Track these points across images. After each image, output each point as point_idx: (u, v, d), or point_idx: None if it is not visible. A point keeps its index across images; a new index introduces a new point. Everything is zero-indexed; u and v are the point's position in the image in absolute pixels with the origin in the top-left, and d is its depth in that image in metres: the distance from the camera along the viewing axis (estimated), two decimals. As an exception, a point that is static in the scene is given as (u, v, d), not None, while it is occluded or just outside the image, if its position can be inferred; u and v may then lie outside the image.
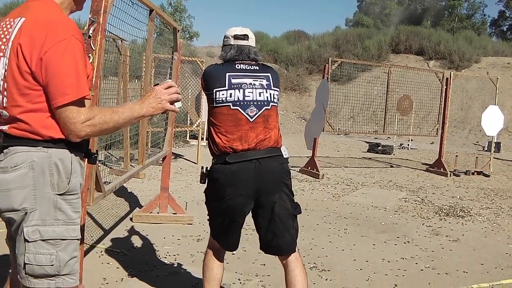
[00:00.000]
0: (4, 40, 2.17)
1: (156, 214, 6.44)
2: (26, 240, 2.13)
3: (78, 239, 2.27)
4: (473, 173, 12.49)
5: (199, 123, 12.34)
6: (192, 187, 8.79)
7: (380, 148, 15.47)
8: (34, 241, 2.13)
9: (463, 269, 5.31)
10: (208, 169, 3.46)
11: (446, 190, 10.11)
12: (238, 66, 3.44)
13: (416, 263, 5.44)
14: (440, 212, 7.93)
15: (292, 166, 11.17)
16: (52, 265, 2.16)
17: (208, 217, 3.60)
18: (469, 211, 8.18)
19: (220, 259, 3.65)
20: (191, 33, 40.09)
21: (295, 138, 16.84)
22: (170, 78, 6.23)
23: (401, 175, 11.62)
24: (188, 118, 13.65)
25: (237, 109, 3.34)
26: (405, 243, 6.19)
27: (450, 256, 5.76)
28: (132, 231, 5.94)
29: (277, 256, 3.56)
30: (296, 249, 3.50)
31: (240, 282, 4.54)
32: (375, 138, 19.11)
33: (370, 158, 14.22)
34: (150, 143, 10.13)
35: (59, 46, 2.06)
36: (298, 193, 8.71)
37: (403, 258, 5.57)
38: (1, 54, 2.16)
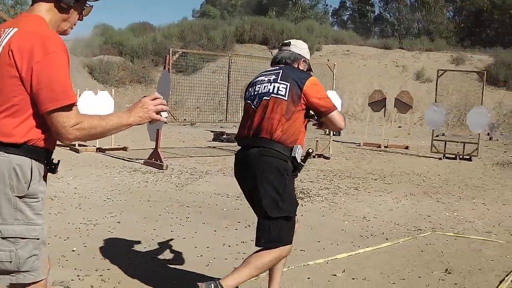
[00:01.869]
0: None
1: None
2: None
3: (37, 239, 2.38)
4: (314, 156, 12.94)
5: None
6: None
7: (225, 136, 15.58)
8: None
9: (300, 248, 5.42)
10: None
11: (288, 174, 10.32)
12: (269, 68, 3.83)
13: (256, 246, 5.51)
14: (281, 195, 8.10)
15: (136, 159, 10.99)
16: (11, 262, 2.31)
17: None
18: (308, 193, 8.47)
19: None
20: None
21: (140, 130, 16.53)
22: None
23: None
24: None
25: (249, 102, 3.69)
26: (245, 227, 6.25)
27: (289, 237, 5.89)
28: None
29: None
30: (277, 248, 3.49)
31: (79, 278, 4.34)
32: (221, 127, 19.25)
33: (215, 147, 14.29)
34: None
35: (50, 57, 2.26)
36: (142, 185, 8.56)
37: (243, 242, 5.61)
38: None
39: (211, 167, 10.66)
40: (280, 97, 3.52)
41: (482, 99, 15.38)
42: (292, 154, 3.49)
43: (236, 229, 6.16)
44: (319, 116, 3.68)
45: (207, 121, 17.43)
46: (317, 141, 13.72)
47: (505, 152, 16.01)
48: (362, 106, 24.61)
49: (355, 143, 16.81)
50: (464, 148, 14.55)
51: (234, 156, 3.77)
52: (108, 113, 2.63)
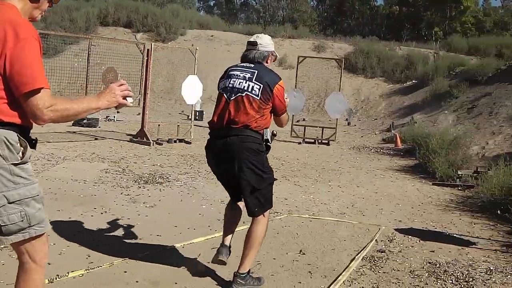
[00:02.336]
0: None
1: None
2: None
3: (38, 195, 2.66)
4: (175, 141, 12.96)
5: None
6: None
7: (85, 121, 15.13)
8: (3, 205, 2.52)
9: (157, 233, 5.49)
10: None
11: (148, 159, 10.32)
12: (240, 63, 4.33)
13: (111, 234, 5.48)
14: (140, 180, 8.09)
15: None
16: (23, 220, 2.59)
17: None
18: (167, 177, 8.49)
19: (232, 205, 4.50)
20: None
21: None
22: None
23: (104, 147, 11.49)
24: None
25: (223, 93, 4.20)
26: (102, 213, 6.19)
27: (146, 222, 5.90)
28: None
29: None
30: (263, 214, 4.21)
31: None
32: (83, 111, 18.66)
33: (74, 132, 13.86)
34: None
35: (22, 44, 2.47)
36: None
37: (98, 229, 5.56)
38: None
39: (69, 152, 10.33)
40: (254, 96, 4.08)
41: (340, 86, 16.10)
42: (265, 137, 4.16)
43: (92, 216, 6.05)
44: (275, 114, 4.30)
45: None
46: (178, 125, 13.74)
47: (362, 136, 16.92)
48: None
49: (217, 128, 16.92)
50: (323, 133, 15.23)
51: (208, 145, 4.28)
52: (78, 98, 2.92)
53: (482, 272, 4.84)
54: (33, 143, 2.71)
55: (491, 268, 4.95)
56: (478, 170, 9.76)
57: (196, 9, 55.25)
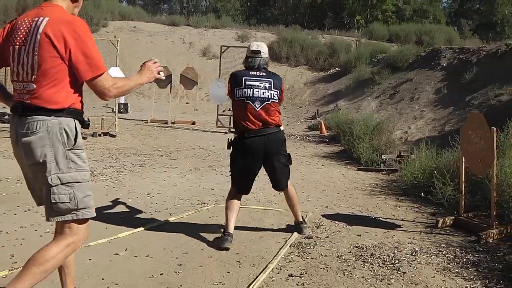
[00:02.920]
0: (30, 34, 2.97)
1: None
2: (50, 185, 2.96)
3: (87, 182, 3.13)
4: (99, 135, 12.72)
5: None
6: None
7: (6, 117, 14.64)
8: (56, 185, 2.97)
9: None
10: (232, 139, 5.34)
11: (72, 154, 10.00)
12: (251, 72, 5.24)
13: (36, 230, 5.34)
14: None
15: None
16: (70, 202, 3.01)
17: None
18: (93, 172, 8.29)
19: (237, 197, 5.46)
20: None
21: None
22: None
23: (27, 142, 11.12)
24: None
25: (249, 102, 5.12)
26: (25, 211, 6.00)
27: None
28: None
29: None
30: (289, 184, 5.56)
31: None
32: (3, 107, 17.99)
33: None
34: None
35: (82, 38, 2.97)
36: None
37: (22, 227, 5.40)
38: (26, 43, 2.97)
39: (-9, 150, 9.96)
40: (275, 101, 5.23)
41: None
42: (282, 129, 5.34)
43: (15, 214, 5.88)
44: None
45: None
46: (103, 119, 13.48)
47: (287, 125, 17.01)
48: (149, 83, 24.45)
49: (142, 120, 16.77)
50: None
51: (241, 143, 5.19)
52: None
53: (407, 254, 4.97)
54: (86, 124, 3.22)
55: (416, 249, 5.10)
56: (401, 154, 10.03)
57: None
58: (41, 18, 2.97)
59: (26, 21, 3.02)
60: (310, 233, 5.60)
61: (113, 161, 9.50)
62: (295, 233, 5.56)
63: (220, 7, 49.11)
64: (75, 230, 3.11)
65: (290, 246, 5.14)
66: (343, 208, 6.87)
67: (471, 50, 16.16)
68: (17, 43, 3.00)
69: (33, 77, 2.95)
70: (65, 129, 2.98)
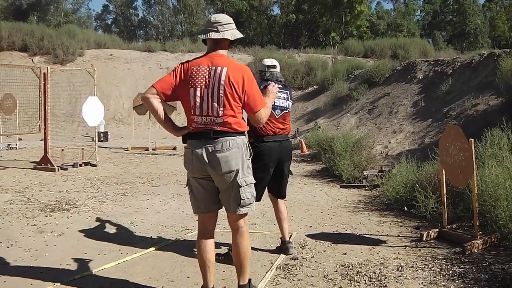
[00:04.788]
0: (209, 79, 3.87)
1: None
2: (240, 186, 3.92)
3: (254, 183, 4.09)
4: (80, 165, 12.62)
5: None
6: None
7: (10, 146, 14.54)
8: (243, 186, 3.93)
9: (67, 262, 5.30)
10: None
11: (53, 186, 9.99)
12: (277, 85, 5.46)
13: (19, 265, 5.24)
14: (46, 209, 7.80)
15: None
16: (251, 198, 4.01)
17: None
18: (75, 203, 8.24)
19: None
20: None
21: None
22: None
23: (8, 176, 11.02)
24: None
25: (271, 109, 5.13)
26: (8, 247, 5.91)
27: (54, 252, 5.70)
28: None
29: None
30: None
31: None
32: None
33: (-27, 163, 13.24)
34: None
35: (250, 82, 3.97)
36: None
37: (5, 263, 5.31)
38: (205, 86, 3.87)
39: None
40: (289, 110, 5.75)
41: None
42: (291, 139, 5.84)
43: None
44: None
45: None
46: (83, 149, 13.40)
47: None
48: (129, 110, 24.47)
49: (123, 148, 16.70)
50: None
51: (263, 147, 5.35)
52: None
53: (393, 269, 4.98)
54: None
55: (402, 264, 5.10)
56: (383, 169, 10.09)
57: (93, 28, 54.39)
58: (219, 67, 3.89)
59: (203, 68, 3.90)
60: (296, 253, 5.58)
61: (95, 191, 9.42)
62: (281, 255, 5.54)
63: (196, 31, 49.30)
64: (247, 221, 4.12)
65: (276, 269, 5.11)
66: (327, 227, 6.87)
67: (446, 62, 16.38)
68: (198, 86, 3.85)
69: (220, 111, 3.84)
70: (246, 144, 3.98)
